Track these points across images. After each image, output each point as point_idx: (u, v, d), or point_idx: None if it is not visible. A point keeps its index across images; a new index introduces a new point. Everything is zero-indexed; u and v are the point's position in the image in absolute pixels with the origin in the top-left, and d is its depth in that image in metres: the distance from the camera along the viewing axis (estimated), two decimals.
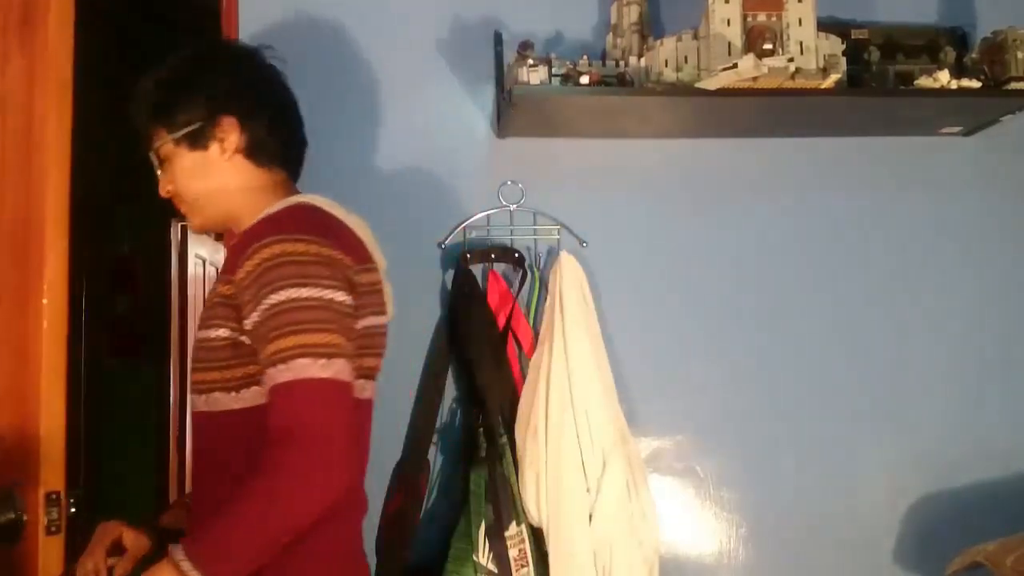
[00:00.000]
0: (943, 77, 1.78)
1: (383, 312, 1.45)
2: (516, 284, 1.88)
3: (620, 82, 1.77)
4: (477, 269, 1.90)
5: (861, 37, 1.87)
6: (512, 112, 1.78)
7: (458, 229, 1.91)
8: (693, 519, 1.94)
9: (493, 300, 1.86)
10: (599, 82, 1.75)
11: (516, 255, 1.90)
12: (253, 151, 1.46)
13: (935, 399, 1.99)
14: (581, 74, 1.73)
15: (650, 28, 1.87)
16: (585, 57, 1.78)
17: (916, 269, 2.01)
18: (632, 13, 1.85)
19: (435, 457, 1.87)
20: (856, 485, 1.96)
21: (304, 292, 1.26)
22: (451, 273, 1.89)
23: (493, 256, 1.90)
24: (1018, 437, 2.00)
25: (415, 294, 1.90)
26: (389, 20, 1.95)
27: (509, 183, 1.94)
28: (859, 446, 1.97)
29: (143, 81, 1.47)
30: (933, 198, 2.03)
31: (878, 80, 1.84)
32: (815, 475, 1.96)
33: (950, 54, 1.83)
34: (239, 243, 1.35)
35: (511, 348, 1.84)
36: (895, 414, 1.98)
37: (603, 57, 1.85)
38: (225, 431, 1.35)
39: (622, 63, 1.80)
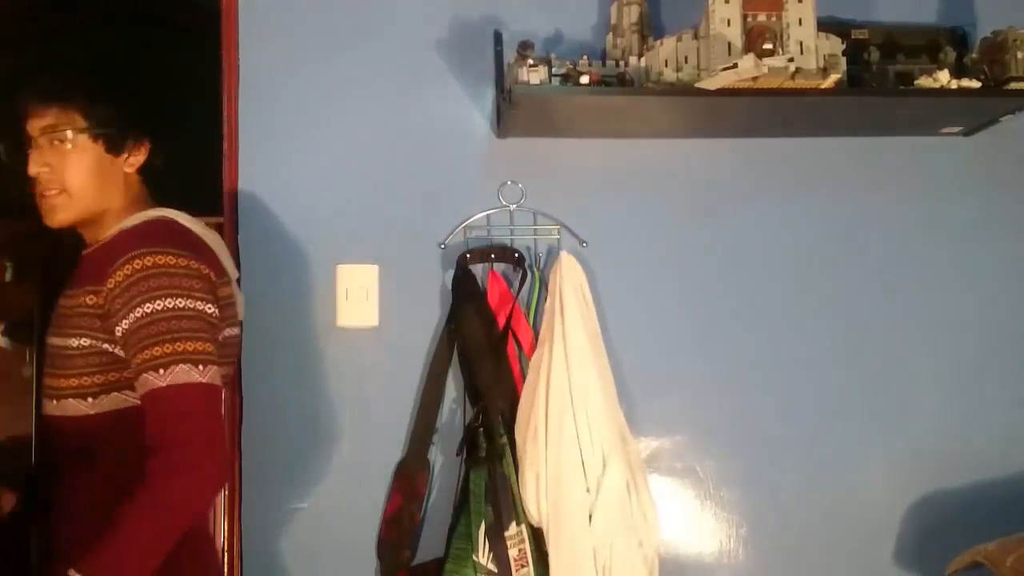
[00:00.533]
0: (943, 77, 1.78)
1: (237, 323, 1.53)
2: (516, 284, 1.88)
3: (620, 82, 1.77)
4: (477, 269, 1.90)
5: (861, 37, 1.87)
6: (512, 112, 1.78)
7: (458, 229, 1.91)
8: (693, 519, 1.94)
9: (493, 300, 1.86)
10: (599, 82, 1.75)
11: (516, 255, 1.90)
12: (146, 171, 1.54)
13: (935, 399, 1.99)
14: (581, 74, 1.73)
15: (650, 28, 1.87)
16: (585, 57, 1.77)
17: (916, 269, 2.01)
18: (632, 13, 1.85)
19: (435, 457, 1.87)
20: (856, 485, 1.96)
21: (179, 302, 1.32)
22: (451, 273, 1.89)
23: (493, 256, 1.90)
24: (1018, 437, 2.00)
25: (415, 294, 1.90)
26: (389, 20, 1.95)
27: (509, 183, 1.94)
28: (859, 446, 1.97)
29: (73, 54, 1.56)
30: (933, 198, 2.03)
31: (878, 80, 1.83)
32: (815, 475, 1.96)
33: (950, 54, 1.83)
34: (104, 254, 1.39)
35: (511, 348, 1.84)
36: (895, 414, 1.98)
37: (603, 57, 1.85)
38: (86, 434, 1.39)
39: (622, 63, 1.80)
